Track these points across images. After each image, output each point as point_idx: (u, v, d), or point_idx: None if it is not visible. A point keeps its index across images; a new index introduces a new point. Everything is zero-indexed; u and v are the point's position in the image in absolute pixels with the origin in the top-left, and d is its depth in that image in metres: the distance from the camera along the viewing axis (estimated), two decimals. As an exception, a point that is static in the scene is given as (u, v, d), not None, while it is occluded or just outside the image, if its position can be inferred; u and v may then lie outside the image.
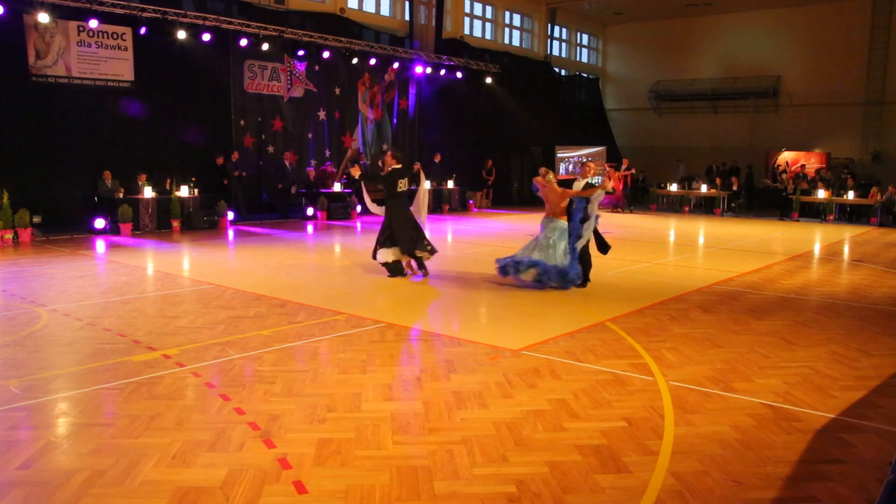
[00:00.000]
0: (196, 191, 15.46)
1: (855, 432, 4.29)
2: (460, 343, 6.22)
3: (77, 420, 4.35)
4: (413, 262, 9.51)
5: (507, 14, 26.49)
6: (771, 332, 6.78)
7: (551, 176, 8.77)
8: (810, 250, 13.48)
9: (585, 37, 30.73)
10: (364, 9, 20.99)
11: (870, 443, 4.14)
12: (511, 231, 15.96)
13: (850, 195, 20.03)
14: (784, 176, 22.83)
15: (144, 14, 14.89)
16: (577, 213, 8.61)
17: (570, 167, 25.12)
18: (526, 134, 25.12)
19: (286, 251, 11.96)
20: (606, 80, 31.38)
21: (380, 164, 9.89)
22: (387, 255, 9.26)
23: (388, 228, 9.30)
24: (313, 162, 18.73)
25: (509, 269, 8.69)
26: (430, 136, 22.36)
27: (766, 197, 23.86)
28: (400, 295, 8.46)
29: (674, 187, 23.58)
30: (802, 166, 24.72)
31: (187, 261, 11.07)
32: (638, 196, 22.45)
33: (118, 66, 15.12)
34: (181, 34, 15.35)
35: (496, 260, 9.01)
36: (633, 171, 22.15)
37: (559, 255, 8.49)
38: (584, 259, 8.79)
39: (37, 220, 13.46)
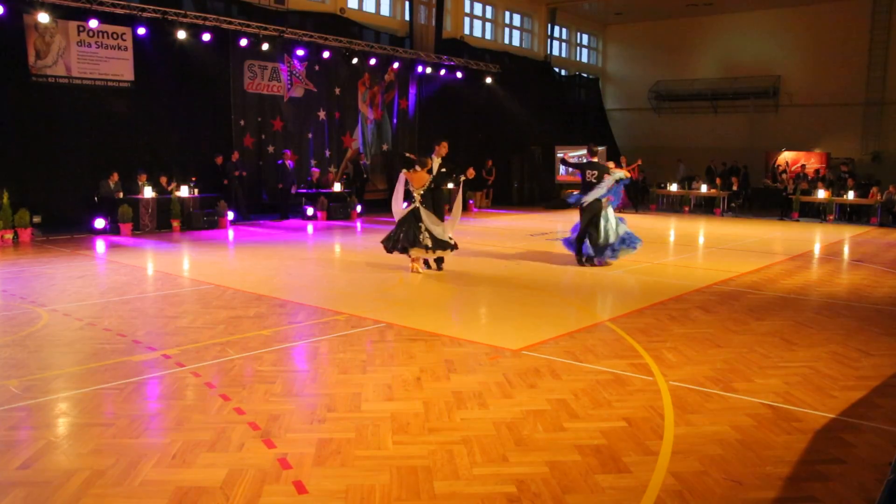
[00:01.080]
0: (196, 191, 15.46)
1: (855, 432, 4.29)
2: (460, 343, 6.22)
3: (77, 420, 4.35)
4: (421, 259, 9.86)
5: (507, 14, 26.49)
6: (771, 332, 6.78)
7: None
8: (810, 250, 13.48)
9: (585, 37, 30.73)
10: (364, 9, 20.99)
11: (870, 443, 4.14)
12: (511, 230, 15.96)
13: (850, 195, 20.03)
14: (784, 176, 22.83)
15: (144, 14, 14.89)
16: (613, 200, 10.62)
17: (571, 168, 25.05)
18: (526, 134, 25.11)
19: (286, 251, 11.96)
20: (606, 80, 31.37)
21: (434, 156, 9.91)
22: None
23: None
24: (313, 162, 18.74)
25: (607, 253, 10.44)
26: (430, 137, 22.33)
27: (766, 197, 23.86)
28: (400, 295, 8.46)
29: (674, 187, 23.58)
30: (802, 166, 24.72)
31: (187, 261, 11.07)
32: (638, 196, 22.46)
33: (118, 66, 15.12)
34: (181, 34, 15.35)
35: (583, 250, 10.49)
36: (640, 161, 21.99)
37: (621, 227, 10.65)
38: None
39: (37, 220, 13.47)
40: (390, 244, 9.64)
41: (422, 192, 9.52)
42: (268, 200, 18.01)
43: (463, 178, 9.82)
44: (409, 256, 9.71)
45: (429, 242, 9.40)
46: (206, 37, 15.80)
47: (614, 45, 31.24)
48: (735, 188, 22.82)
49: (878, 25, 24.36)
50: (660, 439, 4.13)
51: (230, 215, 15.65)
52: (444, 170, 9.70)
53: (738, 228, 17.45)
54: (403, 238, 9.45)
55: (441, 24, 22.15)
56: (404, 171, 9.66)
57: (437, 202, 9.67)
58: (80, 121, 14.57)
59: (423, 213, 9.46)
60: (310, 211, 17.47)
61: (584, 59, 30.80)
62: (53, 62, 14.22)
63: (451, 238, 9.68)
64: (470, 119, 23.48)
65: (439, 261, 9.85)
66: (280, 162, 17.49)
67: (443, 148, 9.79)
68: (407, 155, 10.15)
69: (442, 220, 9.65)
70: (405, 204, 9.79)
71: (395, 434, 4.15)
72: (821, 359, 5.88)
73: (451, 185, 10.85)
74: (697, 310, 7.73)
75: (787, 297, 8.59)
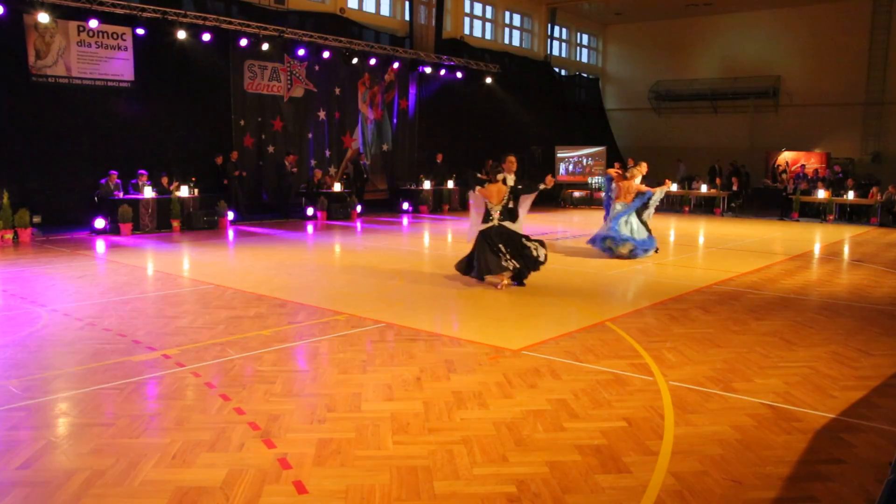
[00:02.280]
0: (196, 191, 15.46)
1: (855, 432, 4.29)
2: (460, 343, 6.22)
3: (77, 420, 4.35)
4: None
5: (507, 14, 26.50)
6: (771, 332, 6.78)
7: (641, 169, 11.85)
8: (810, 250, 13.48)
9: (585, 37, 30.74)
10: (364, 9, 21.00)
11: (870, 443, 4.14)
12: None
13: (850, 195, 20.02)
14: (784, 176, 22.83)
15: (144, 14, 14.89)
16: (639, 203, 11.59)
17: (570, 167, 25.11)
18: (526, 134, 25.12)
19: (286, 251, 11.96)
20: (606, 80, 31.38)
21: (504, 166, 8.99)
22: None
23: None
24: (313, 162, 18.75)
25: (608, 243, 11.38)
26: (430, 136, 22.36)
27: (766, 197, 23.86)
28: (400, 295, 8.46)
29: (674, 187, 23.57)
30: (802, 166, 24.73)
31: (187, 261, 11.07)
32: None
33: (118, 66, 15.13)
34: (181, 34, 15.35)
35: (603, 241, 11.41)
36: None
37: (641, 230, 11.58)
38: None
39: (37, 220, 13.46)
40: (476, 271, 8.76)
41: (500, 207, 8.71)
42: (268, 200, 18.01)
43: (542, 185, 8.94)
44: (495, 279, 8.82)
45: (516, 264, 8.60)
46: (206, 37, 15.80)
47: (614, 45, 31.25)
48: (735, 188, 22.81)
49: (878, 25, 24.37)
50: (660, 439, 4.13)
51: (230, 215, 15.65)
52: (520, 186, 8.89)
53: (738, 228, 17.45)
54: (493, 266, 8.56)
55: (441, 24, 22.15)
56: (478, 189, 8.84)
57: (514, 216, 8.84)
58: (80, 121, 14.57)
59: (508, 228, 8.67)
60: (310, 211, 17.47)
61: (584, 59, 30.80)
62: (53, 62, 14.21)
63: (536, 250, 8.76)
64: (470, 119, 23.48)
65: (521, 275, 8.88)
66: (281, 161, 17.50)
67: (512, 164, 8.91)
68: (478, 175, 9.02)
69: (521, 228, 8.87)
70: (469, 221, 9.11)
71: (395, 434, 4.15)
72: (821, 359, 5.88)
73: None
74: (697, 310, 7.73)
75: (787, 297, 8.59)
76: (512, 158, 8.93)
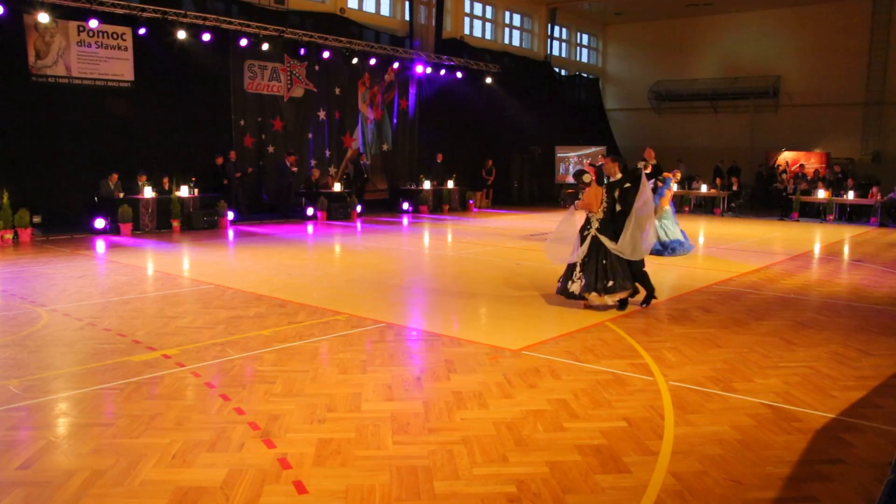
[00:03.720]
0: (196, 191, 15.46)
1: (855, 432, 4.29)
2: (460, 343, 6.22)
3: (77, 420, 4.35)
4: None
5: (507, 14, 26.49)
6: (771, 332, 6.78)
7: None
8: (810, 250, 13.48)
9: (585, 37, 30.73)
10: (364, 9, 20.99)
11: (870, 443, 4.14)
12: (511, 231, 15.95)
13: (850, 195, 20.02)
14: (784, 176, 22.83)
15: (144, 14, 14.89)
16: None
17: (570, 167, 25.11)
18: (526, 134, 25.11)
19: (286, 251, 11.96)
20: (606, 80, 31.37)
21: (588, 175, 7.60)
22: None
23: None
24: (313, 162, 18.76)
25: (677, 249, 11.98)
26: (430, 136, 22.36)
27: (766, 197, 23.87)
28: (400, 295, 8.46)
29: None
30: (802, 166, 24.73)
31: (187, 261, 11.07)
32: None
33: (118, 66, 15.12)
34: (181, 34, 15.36)
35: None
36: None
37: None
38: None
39: (37, 220, 13.47)
40: (588, 287, 7.43)
41: (601, 216, 7.46)
42: (268, 200, 18.02)
43: (640, 164, 7.56)
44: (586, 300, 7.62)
45: (609, 283, 7.38)
46: (206, 37, 15.80)
47: (614, 45, 31.24)
48: (735, 188, 22.81)
49: (878, 25, 24.36)
50: (660, 439, 4.13)
51: (230, 215, 15.65)
52: (628, 184, 7.46)
53: (738, 228, 17.44)
54: (588, 283, 7.40)
55: (441, 24, 22.15)
56: (577, 203, 7.59)
57: (618, 226, 7.51)
58: (80, 121, 14.57)
59: (602, 243, 7.42)
60: (310, 211, 17.47)
61: (584, 59, 30.79)
62: (53, 62, 14.21)
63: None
64: (470, 119, 23.48)
65: (623, 301, 7.66)
66: (281, 161, 17.50)
67: (605, 166, 7.59)
68: (577, 184, 7.60)
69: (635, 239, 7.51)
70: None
71: (395, 434, 4.15)
72: (821, 359, 5.88)
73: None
74: (697, 310, 7.73)
75: (787, 297, 8.58)
76: (605, 160, 7.57)
